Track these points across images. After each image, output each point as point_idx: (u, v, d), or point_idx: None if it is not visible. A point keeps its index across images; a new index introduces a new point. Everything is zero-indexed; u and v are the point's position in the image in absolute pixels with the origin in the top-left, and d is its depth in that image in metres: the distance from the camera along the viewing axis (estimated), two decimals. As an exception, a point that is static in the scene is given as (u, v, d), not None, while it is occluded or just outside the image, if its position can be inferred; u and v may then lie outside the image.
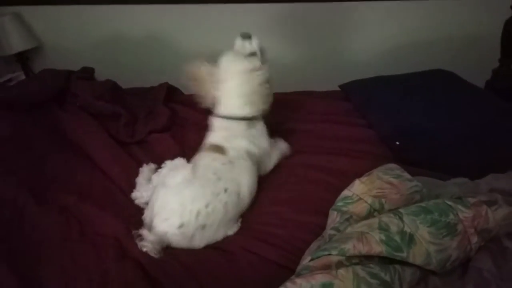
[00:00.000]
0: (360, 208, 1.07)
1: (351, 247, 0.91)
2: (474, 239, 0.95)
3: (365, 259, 0.92)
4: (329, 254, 0.92)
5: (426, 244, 0.91)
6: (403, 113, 1.61)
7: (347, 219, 1.06)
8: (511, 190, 1.10)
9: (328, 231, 1.05)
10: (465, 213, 0.94)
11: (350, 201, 1.09)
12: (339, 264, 0.90)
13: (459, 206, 0.95)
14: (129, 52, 2.38)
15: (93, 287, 1.01)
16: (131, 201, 1.30)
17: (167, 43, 2.37)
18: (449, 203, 0.96)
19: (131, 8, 2.27)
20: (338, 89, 2.00)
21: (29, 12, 2.27)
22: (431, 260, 0.91)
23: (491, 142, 1.43)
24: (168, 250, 1.14)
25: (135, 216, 1.24)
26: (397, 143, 1.48)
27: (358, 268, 0.88)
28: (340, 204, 1.10)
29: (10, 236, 1.15)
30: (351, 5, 2.28)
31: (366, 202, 1.07)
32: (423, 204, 0.98)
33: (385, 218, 0.96)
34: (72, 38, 2.34)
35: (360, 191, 1.10)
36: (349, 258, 0.91)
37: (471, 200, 0.97)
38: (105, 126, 1.60)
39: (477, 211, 0.95)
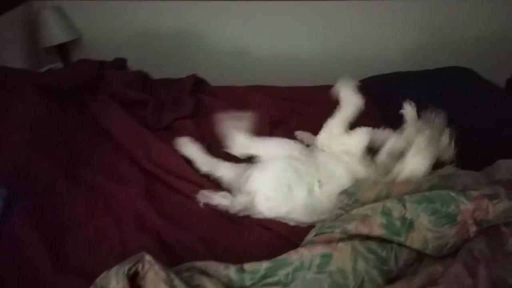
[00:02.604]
0: (368, 195, 1.12)
1: (353, 228, 0.98)
2: (473, 229, 1.00)
3: (365, 238, 0.98)
4: (332, 232, 0.99)
5: (424, 231, 0.97)
6: (420, 107, 1.64)
7: (355, 201, 1.12)
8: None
9: (335, 211, 1.11)
10: (466, 205, 0.99)
11: (361, 186, 1.16)
12: (340, 240, 0.97)
13: (462, 198, 1.00)
14: (162, 46, 2.49)
15: (113, 253, 1.11)
16: (153, 179, 1.39)
17: (197, 38, 2.47)
18: (452, 194, 1.01)
19: (165, 3, 2.37)
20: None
21: (69, 5, 2.41)
22: (428, 245, 0.97)
23: (504, 135, 1.44)
24: (186, 221, 1.23)
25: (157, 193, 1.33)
26: None
27: (357, 243, 0.96)
28: (351, 188, 1.17)
29: (41, 209, 1.23)
30: (373, 3, 2.31)
31: (376, 189, 1.12)
32: (427, 194, 1.03)
33: (388, 204, 1.01)
34: (109, 31, 2.47)
35: (371, 180, 1.16)
36: (351, 236, 0.98)
37: (474, 193, 1.01)
38: (133, 113, 1.69)
39: (478, 204, 0.99)
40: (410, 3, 2.30)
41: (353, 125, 1.64)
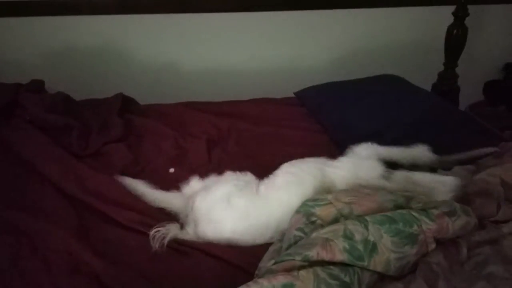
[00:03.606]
0: (327, 212, 1.08)
1: (314, 254, 0.93)
2: (432, 246, 1.00)
3: (327, 262, 0.94)
4: (293, 259, 0.93)
5: (387, 253, 0.95)
6: (353, 117, 1.67)
7: (313, 222, 1.07)
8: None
9: (293, 232, 1.06)
10: (429, 225, 0.99)
11: (319, 203, 1.10)
12: (301, 267, 0.92)
13: (424, 218, 1.00)
14: (82, 64, 2.33)
15: (45, 304, 0.98)
16: (87, 213, 1.27)
17: (121, 54, 2.33)
18: (414, 214, 1.00)
19: (83, 19, 2.22)
20: (293, 95, 2.04)
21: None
22: (390, 267, 0.95)
23: (431, 138, 1.49)
24: (127, 258, 1.12)
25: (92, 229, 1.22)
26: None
27: (318, 269, 0.91)
28: (309, 204, 1.11)
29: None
30: (301, 13, 2.32)
31: (335, 207, 1.08)
32: (389, 214, 1.01)
33: (350, 226, 0.98)
34: (22, 51, 2.26)
35: (332, 197, 1.11)
36: (312, 262, 0.93)
37: (435, 212, 1.01)
38: (57, 140, 1.55)
39: (440, 224, 0.99)
40: (338, 13, 2.34)
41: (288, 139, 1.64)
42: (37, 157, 1.45)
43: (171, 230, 1.16)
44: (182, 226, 1.22)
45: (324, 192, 1.17)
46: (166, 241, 1.14)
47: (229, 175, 1.33)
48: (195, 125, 1.76)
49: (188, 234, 1.18)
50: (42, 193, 1.33)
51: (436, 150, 1.37)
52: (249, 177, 1.32)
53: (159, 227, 1.17)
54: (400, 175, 1.25)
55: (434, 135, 1.51)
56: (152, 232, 1.15)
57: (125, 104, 1.86)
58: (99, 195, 1.33)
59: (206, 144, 1.62)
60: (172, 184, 1.36)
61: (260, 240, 1.17)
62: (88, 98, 1.97)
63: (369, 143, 1.36)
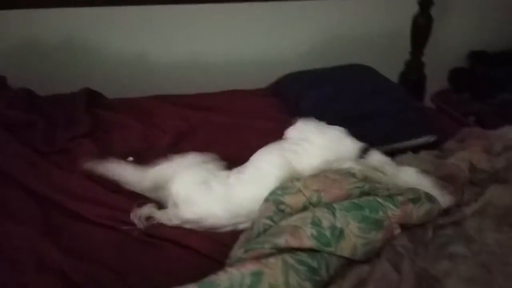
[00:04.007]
0: (296, 200, 1.09)
1: (283, 241, 0.94)
2: (397, 231, 1.03)
3: (296, 249, 0.95)
4: (262, 247, 0.95)
5: (354, 238, 0.97)
6: (319, 105, 1.68)
7: (282, 210, 1.08)
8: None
9: (262, 220, 1.07)
10: (394, 211, 1.02)
11: (288, 191, 1.11)
12: (270, 254, 0.93)
13: (389, 204, 1.02)
14: (46, 59, 2.26)
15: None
16: (53, 210, 1.25)
17: (88, 47, 2.27)
18: (380, 200, 1.03)
19: (45, 12, 2.16)
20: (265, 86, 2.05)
21: None
22: (357, 252, 0.97)
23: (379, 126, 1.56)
24: (94, 253, 1.11)
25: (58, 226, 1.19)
26: None
27: (287, 256, 0.92)
28: (278, 192, 1.12)
29: None
30: (271, 4, 2.32)
31: (304, 195, 1.09)
32: (355, 201, 1.04)
33: (318, 213, 1.00)
34: (-18, 46, 2.20)
35: (301, 184, 1.12)
36: (281, 249, 0.94)
37: (400, 198, 1.04)
38: (20, 137, 1.50)
39: (404, 210, 1.02)
40: (309, 4, 2.35)
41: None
42: (0, 154, 1.40)
43: (149, 210, 1.21)
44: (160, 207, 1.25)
45: (293, 179, 1.18)
46: (143, 220, 1.18)
47: (194, 157, 1.35)
48: (165, 118, 1.74)
49: (166, 214, 1.21)
50: (6, 191, 1.29)
51: (380, 138, 1.44)
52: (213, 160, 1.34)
53: (137, 208, 1.20)
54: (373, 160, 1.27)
55: (383, 124, 1.57)
56: (131, 215, 1.19)
57: (92, 99, 1.82)
58: (65, 192, 1.30)
59: (175, 137, 1.60)
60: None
61: (234, 226, 1.19)
62: (54, 93, 1.91)
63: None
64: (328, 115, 1.44)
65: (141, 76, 2.34)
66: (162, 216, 1.21)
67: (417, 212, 1.04)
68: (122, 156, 1.44)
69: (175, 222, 1.21)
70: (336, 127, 1.33)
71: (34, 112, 1.63)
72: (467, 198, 1.20)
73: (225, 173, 1.29)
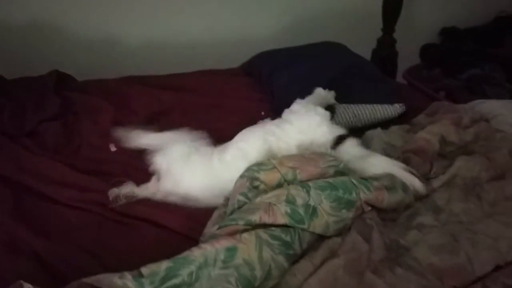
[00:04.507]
0: (271, 177, 1.10)
1: (257, 218, 0.96)
2: (367, 209, 1.05)
3: (269, 225, 0.96)
4: (236, 224, 0.96)
5: (326, 216, 0.99)
6: (292, 84, 1.68)
7: (256, 187, 1.09)
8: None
9: (237, 196, 1.07)
10: (366, 195, 1.03)
11: (264, 167, 1.11)
12: (244, 231, 0.94)
13: (363, 187, 1.04)
14: (13, 42, 2.19)
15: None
16: (24, 193, 1.23)
17: (55, 30, 2.21)
18: (354, 181, 1.04)
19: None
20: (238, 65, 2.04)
21: None
22: (329, 229, 0.99)
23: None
24: (69, 235, 1.10)
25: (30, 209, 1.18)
26: (262, 113, 1.61)
27: (260, 231, 0.93)
28: (254, 168, 1.12)
29: None
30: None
31: (279, 172, 1.10)
32: (330, 180, 1.05)
33: (293, 191, 1.01)
34: None
35: (276, 162, 1.12)
36: (255, 226, 0.96)
37: (375, 183, 1.06)
38: (-13, 121, 1.47)
39: (376, 196, 1.04)
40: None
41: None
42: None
43: (129, 188, 1.22)
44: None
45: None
46: (122, 198, 1.20)
47: (185, 133, 1.36)
48: (136, 99, 1.71)
49: (147, 188, 1.23)
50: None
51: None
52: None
53: (114, 186, 1.22)
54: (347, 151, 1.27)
55: (356, 99, 1.59)
56: (109, 192, 1.20)
57: (61, 81, 1.79)
58: (36, 175, 1.29)
59: (147, 117, 1.59)
60: (112, 158, 1.34)
61: (212, 201, 1.19)
62: (22, 76, 1.87)
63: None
64: (300, 94, 1.45)
65: (111, 58, 2.29)
66: (143, 192, 1.23)
67: (388, 199, 1.05)
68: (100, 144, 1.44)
69: (158, 196, 1.22)
70: (321, 111, 1.32)
71: (2, 95, 1.60)
72: (435, 171, 1.22)
73: (209, 149, 1.30)
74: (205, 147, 1.31)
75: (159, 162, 1.27)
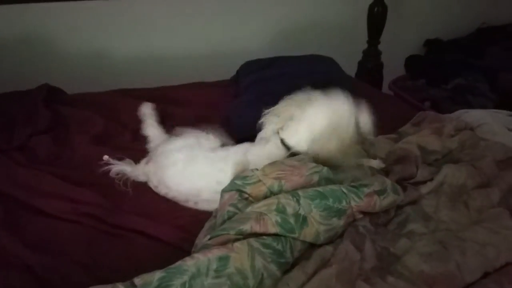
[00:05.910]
0: (257, 190, 1.10)
1: (248, 228, 0.96)
2: (359, 216, 1.07)
3: (260, 234, 0.97)
4: (228, 233, 0.96)
5: (316, 225, 0.99)
6: (255, 84, 1.74)
7: (246, 198, 1.10)
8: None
9: (227, 208, 1.07)
10: (357, 203, 1.04)
11: (249, 181, 1.11)
12: (236, 240, 0.95)
13: (353, 195, 1.04)
14: (4, 55, 2.20)
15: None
16: (15, 207, 1.23)
17: (44, 44, 2.22)
18: (345, 190, 1.05)
19: (4, 8, 2.08)
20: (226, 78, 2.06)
21: None
22: (320, 238, 1.00)
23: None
24: (60, 248, 1.10)
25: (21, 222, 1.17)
26: None
27: (252, 240, 0.94)
28: (238, 182, 1.12)
29: None
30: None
31: (264, 184, 1.10)
32: (320, 189, 1.05)
33: (283, 200, 1.02)
34: None
35: (260, 173, 1.13)
36: (246, 235, 0.96)
37: (366, 190, 1.06)
38: (-23, 135, 1.47)
39: (368, 202, 1.05)
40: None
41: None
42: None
43: (121, 167, 1.33)
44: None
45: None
46: (113, 173, 1.32)
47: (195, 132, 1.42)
48: (126, 112, 1.72)
49: (137, 169, 1.33)
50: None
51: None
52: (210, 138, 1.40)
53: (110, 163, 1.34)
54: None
55: None
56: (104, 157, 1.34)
57: (51, 95, 1.79)
58: (27, 188, 1.28)
59: (137, 130, 1.59)
60: (102, 171, 1.35)
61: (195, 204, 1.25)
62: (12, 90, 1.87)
63: None
64: (260, 93, 1.47)
65: (101, 71, 2.31)
66: (132, 173, 1.33)
67: (380, 203, 1.06)
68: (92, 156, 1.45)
69: (141, 178, 1.32)
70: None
71: (-9, 109, 1.59)
72: (423, 177, 1.24)
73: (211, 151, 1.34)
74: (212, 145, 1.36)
75: (158, 149, 1.35)
